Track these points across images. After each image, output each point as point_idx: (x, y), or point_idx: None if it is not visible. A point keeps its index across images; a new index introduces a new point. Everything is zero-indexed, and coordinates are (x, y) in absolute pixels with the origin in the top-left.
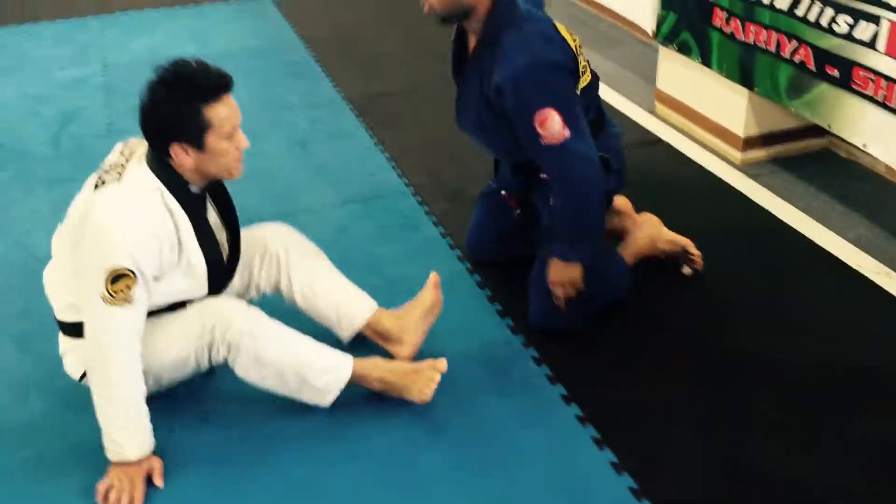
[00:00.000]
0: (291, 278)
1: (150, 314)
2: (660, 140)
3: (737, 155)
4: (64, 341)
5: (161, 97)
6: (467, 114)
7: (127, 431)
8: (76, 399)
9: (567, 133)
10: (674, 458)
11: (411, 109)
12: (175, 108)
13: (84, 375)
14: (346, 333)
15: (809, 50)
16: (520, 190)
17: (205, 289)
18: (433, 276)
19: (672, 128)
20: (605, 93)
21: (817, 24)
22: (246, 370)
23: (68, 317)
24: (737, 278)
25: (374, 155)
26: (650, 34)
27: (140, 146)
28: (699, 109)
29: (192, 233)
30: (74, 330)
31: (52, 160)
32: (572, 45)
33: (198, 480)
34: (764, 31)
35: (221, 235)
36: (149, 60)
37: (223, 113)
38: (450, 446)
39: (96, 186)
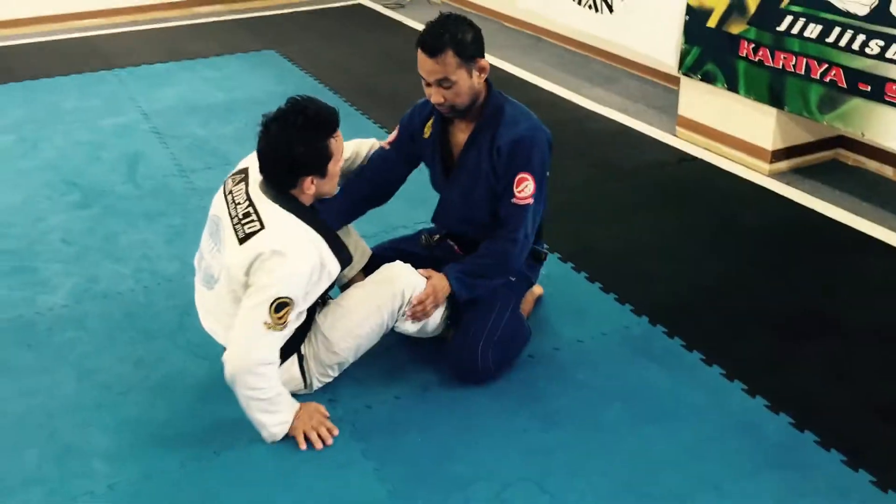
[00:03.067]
0: None
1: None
2: (695, 158)
3: (765, 167)
4: None
5: (293, 139)
6: (456, 188)
7: (272, 415)
8: None
9: (532, 201)
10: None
11: None
12: (310, 147)
13: None
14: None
15: (840, 70)
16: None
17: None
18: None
19: (700, 147)
20: (628, 121)
21: (848, 49)
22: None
23: None
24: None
25: None
26: (673, 67)
27: (251, 185)
28: (725, 130)
29: (330, 250)
30: None
31: (140, 198)
32: None
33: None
34: (794, 58)
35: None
36: (186, 107)
37: (339, 142)
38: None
39: (242, 241)
